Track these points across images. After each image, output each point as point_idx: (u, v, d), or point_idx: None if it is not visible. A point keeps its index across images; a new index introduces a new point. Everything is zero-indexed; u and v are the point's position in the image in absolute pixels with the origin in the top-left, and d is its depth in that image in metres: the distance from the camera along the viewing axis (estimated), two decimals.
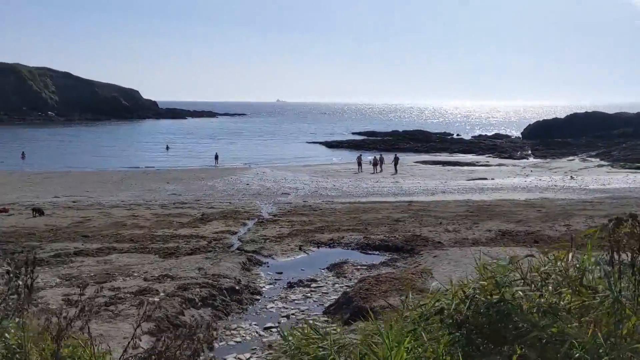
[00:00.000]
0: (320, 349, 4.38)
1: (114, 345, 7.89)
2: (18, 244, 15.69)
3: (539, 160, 58.27)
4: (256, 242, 16.14)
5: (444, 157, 62.15)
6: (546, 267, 4.66)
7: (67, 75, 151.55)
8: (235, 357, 8.28)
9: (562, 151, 63.95)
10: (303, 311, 10.50)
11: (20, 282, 3.51)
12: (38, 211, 21.75)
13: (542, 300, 3.81)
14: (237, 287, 11.28)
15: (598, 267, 4.34)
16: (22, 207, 23.75)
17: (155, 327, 8.57)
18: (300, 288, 11.99)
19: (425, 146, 73.62)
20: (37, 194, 30.48)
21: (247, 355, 8.36)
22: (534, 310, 3.75)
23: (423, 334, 4.15)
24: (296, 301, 11.10)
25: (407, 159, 59.93)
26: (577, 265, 4.59)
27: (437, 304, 4.30)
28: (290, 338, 4.96)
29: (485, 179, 40.56)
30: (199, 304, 10.07)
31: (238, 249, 15.56)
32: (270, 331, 9.52)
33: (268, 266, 13.93)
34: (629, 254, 4.61)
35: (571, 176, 40.64)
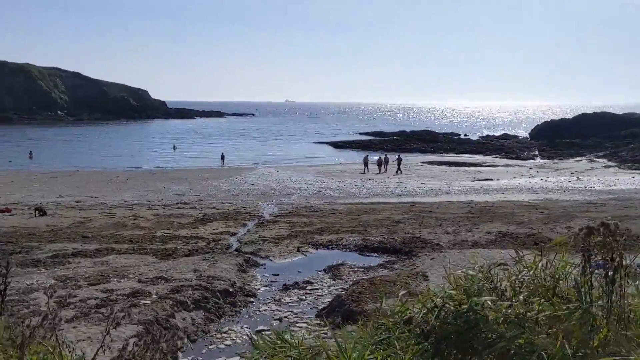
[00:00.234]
0: (289, 358, 4.34)
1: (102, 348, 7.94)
2: (17, 244, 15.73)
3: (545, 160, 57.94)
4: (255, 243, 16.11)
5: (450, 157, 61.91)
6: (520, 276, 4.59)
7: (76, 75, 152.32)
8: None
9: (569, 152, 63.57)
10: (296, 314, 10.45)
11: None
12: (40, 211, 21.84)
13: (510, 310, 3.75)
14: (231, 290, 11.25)
15: (571, 277, 4.27)
16: (26, 207, 23.83)
17: (144, 330, 8.55)
18: (296, 290, 11.93)
19: (432, 146, 73.39)
20: (43, 193, 30.62)
21: (236, 359, 8.32)
22: (500, 321, 3.69)
23: (396, 342, 4.10)
24: (290, 304, 11.05)
25: (413, 159, 59.78)
26: (551, 274, 4.53)
27: (407, 312, 4.25)
28: (261, 345, 4.92)
29: (491, 179, 40.35)
30: (191, 306, 10.04)
31: (236, 250, 15.55)
32: (262, 334, 9.48)
33: (265, 268, 13.88)
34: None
35: (577, 177, 40.36)
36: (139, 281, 11.28)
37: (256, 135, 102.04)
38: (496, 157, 62.56)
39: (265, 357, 4.56)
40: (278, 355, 4.49)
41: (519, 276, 4.55)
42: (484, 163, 55.52)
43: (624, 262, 4.39)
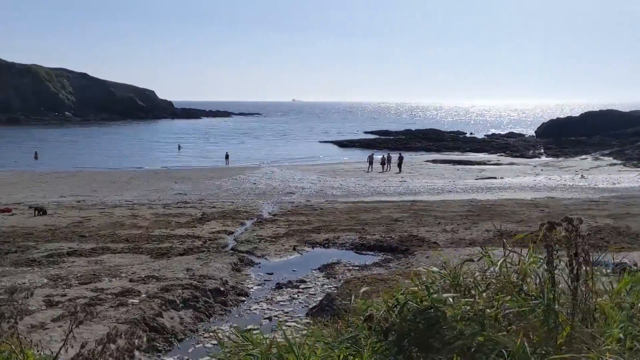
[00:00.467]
0: (250, 357, 4.29)
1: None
2: (14, 243, 15.76)
3: (550, 159, 57.66)
4: (251, 242, 16.06)
5: (455, 156, 61.69)
6: (489, 272, 4.52)
7: (83, 75, 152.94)
8: None
9: (575, 150, 63.24)
10: (287, 313, 10.39)
11: None
12: (41, 210, 21.90)
13: (468, 307, 3.68)
14: (222, 289, 11.20)
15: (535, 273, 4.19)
16: (27, 207, 23.89)
17: (130, 329, 8.51)
18: (289, 289, 11.87)
19: (437, 145, 73.18)
20: (45, 193, 30.72)
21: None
22: (458, 318, 3.62)
23: (362, 341, 4.03)
24: (282, 302, 10.99)
25: (418, 158, 59.66)
26: (518, 270, 4.45)
27: (368, 309, 4.18)
28: (226, 343, 4.87)
29: (494, 178, 40.17)
30: (180, 305, 10.00)
31: (232, 249, 15.50)
32: (252, 333, 9.43)
33: (260, 267, 13.83)
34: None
35: (582, 175, 40.10)
36: (130, 280, 11.27)
37: (262, 135, 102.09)
38: (501, 155, 62.32)
39: (229, 355, 4.52)
40: (240, 353, 4.44)
41: (487, 272, 4.48)
42: (488, 161, 55.30)
43: (590, 258, 4.30)
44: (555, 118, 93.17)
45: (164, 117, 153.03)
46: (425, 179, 40.18)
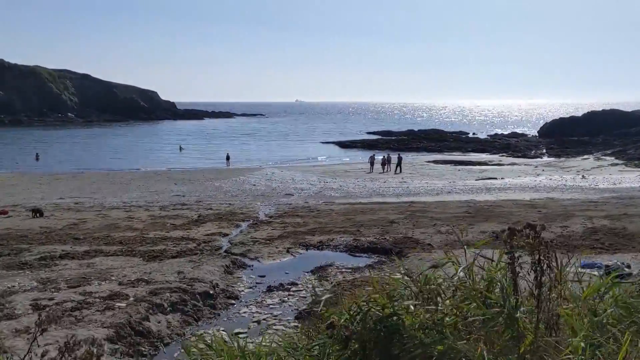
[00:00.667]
0: None
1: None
2: (7, 246, 15.75)
3: (552, 159, 57.50)
4: (245, 244, 16.01)
5: (456, 156, 61.59)
6: (456, 279, 4.46)
7: (86, 76, 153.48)
8: None
9: (577, 150, 63.04)
10: (276, 316, 10.33)
11: None
12: (38, 212, 21.89)
13: (428, 315, 3.63)
14: (211, 292, 11.15)
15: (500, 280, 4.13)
16: (24, 208, 23.91)
17: (114, 334, 8.48)
18: (279, 292, 11.80)
19: (439, 145, 73.08)
20: (44, 195, 30.75)
21: None
22: (416, 327, 3.56)
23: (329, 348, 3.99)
24: (271, 306, 10.93)
25: (420, 158, 59.62)
26: (484, 277, 4.39)
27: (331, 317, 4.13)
28: (192, 351, 4.84)
29: (495, 178, 40.06)
30: (168, 309, 9.96)
31: (226, 251, 15.44)
32: (238, 337, 9.38)
33: (252, 269, 13.77)
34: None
35: (583, 175, 39.96)
36: (120, 283, 11.23)
37: (263, 136, 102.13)
38: (503, 155, 62.20)
39: None
40: None
41: (454, 279, 4.42)
42: (490, 162, 55.18)
43: (559, 263, 4.24)
44: (558, 118, 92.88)
45: (166, 118, 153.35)
46: (426, 179, 40.10)
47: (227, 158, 55.50)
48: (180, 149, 71.38)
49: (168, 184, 36.72)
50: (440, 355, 3.55)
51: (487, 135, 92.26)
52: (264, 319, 10.15)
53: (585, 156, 56.39)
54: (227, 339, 10.06)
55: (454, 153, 65.77)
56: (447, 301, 3.92)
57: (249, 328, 9.64)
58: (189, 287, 11.00)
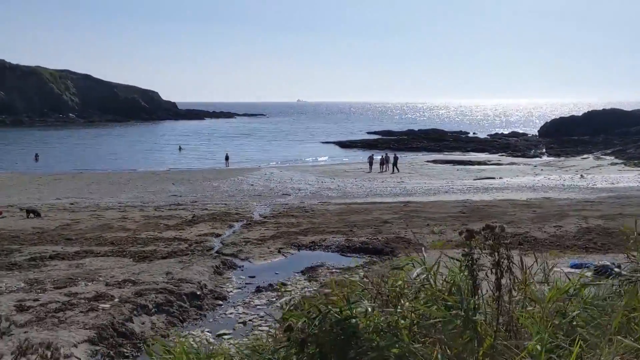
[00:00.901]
0: None
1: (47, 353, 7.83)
2: None
3: (552, 158, 57.41)
4: (236, 244, 15.96)
5: (455, 156, 61.54)
6: (418, 280, 4.42)
7: (87, 77, 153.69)
8: None
9: (576, 149, 62.94)
10: (262, 317, 10.28)
11: None
12: (33, 212, 21.86)
13: (382, 318, 3.58)
14: (198, 293, 11.10)
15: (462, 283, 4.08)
16: (19, 209, 23.88)
17: (96, 335, 8.43)
18: (268, 292, 11.74)
19: (438, 145, 73.02)
20: (41, 195, 30.75)
21: None
22: (370, 330, 3.52)
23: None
24: (259, 306, 10.87)
25: (419, 158, 59.57)
26: (446, 279, 4.35)
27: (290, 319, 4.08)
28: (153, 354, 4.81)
29: (493, 178, 40.01)
30: (153, 310, 9.91)
31: (217, 252, 15.41)
32: (222, 338, 9.35)
33: (242, 270, 13.71)
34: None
35: (581, 175, 39.87)
36: (107, 284, 11.18)
37: (264, 136, 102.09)
38: (502, 155, 62.14)
39: None
40: None
41: (416, 281, 4.38)
42: (488, 161, 55.12)
43: (517, 265, 4.19)
44: (558, 117, 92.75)
45: (167, 118, 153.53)
46: (424, 179, 40.06)
47: (227, 158, 55.49)
48: (180, 149, 71.38)
49: (166, 184, 36.71)
50: (395, 359, 3.50)
51: (487, 135, 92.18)
52: (250, 320, 10.09)
53: (585, 156, 56.30)
54: (212, 340, 9.99)
55: (453, 153, 65.71)
56: (407, 303, 3.88)
57: (234, 329, 9.59)
58: (176, 287, 10.95)
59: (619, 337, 3.48)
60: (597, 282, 4.58)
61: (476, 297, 3.80)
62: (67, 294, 10.38)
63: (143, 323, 9.48)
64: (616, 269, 11.78)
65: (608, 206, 21.98)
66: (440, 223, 18.49)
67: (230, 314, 10.52)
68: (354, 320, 3.63)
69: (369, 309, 3.74)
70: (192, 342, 5.07)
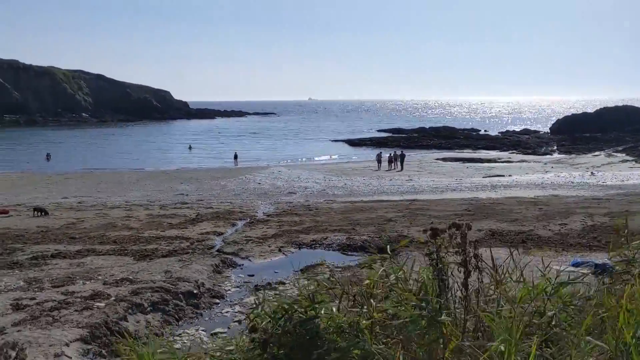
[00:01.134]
0: None
1: (37, 353, 7.84)
2: (3, 245, 15.82)
3: (563, 156, 56.95)
4: (238, 243, 15.95)
5: (466, 153, 61.23)
6: (389, 280, 4.36)
7: (100, 77, 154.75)
8: None
9: (588, 146, 62.39)
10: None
11: None
12: (41, 211, 22.00)
13: (344, 318, 3.52)
14: (195, 291, 11.09)
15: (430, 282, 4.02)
16: (26, 208, 24.06)
17: (89, 334, 8.43)
18: (266, 291, 11.71)
19: (449, 143, 72.70)
20: (49, 194, 30.96)
21: None
22: (331, 330, 3.46)
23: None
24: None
25: (429, 156, 59.34)
26: (416, 279, 4.28)
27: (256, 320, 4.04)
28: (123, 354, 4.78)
29: (502, 175, 39.75)
30: (148, 309, 9.90)
31: (218, 250, 15.41)
32: (217, 337, 9.32)
33: (242, 268, 13.69)
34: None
35: (592, 172, 39.52)
36: (104, 283, 11.20)
37: (274, 135, 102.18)
38: (513, 152, 61.73)
39: None
40: None
41: (387, 280, 4.32)
42: (499, 159, 54.75)
43: (488, 264, 4.11)
44: (570, 114, 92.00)
45: (179, 118, 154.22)
46: (432, 177, 39.88)
47: (235, 157, 55.62)
48: (190, 148, 71.65)
49: (174, 183, 36.84)
50: (358, 359, 3.44)
51: (498, 132, 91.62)
52: (244, 319, 10.05)
53: (596, 153, 55.81)
54: (205, 338, 9.97)
55: (464, 150, 65.39)
56: (375, 303, 3.82)
57: (229, 327, 9.57)
58: (173, 286, 10.94)
59: (588, 338, 3.40)
60: (575, 281, 4.49)
61: (444, 297, 3.73)
62: (64, 293, 10.41)
63: (138, 322, 9.47)
64: (617, 267, 11.66)
65: (616, 203, 21.73)
66: (444, 221, 18.33)
67: (227, 312, 10.50)
68: (316, 320, 3.57)
69: (334, 309, 3.68)
70: (166, 346, 5.03)
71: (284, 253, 15.02)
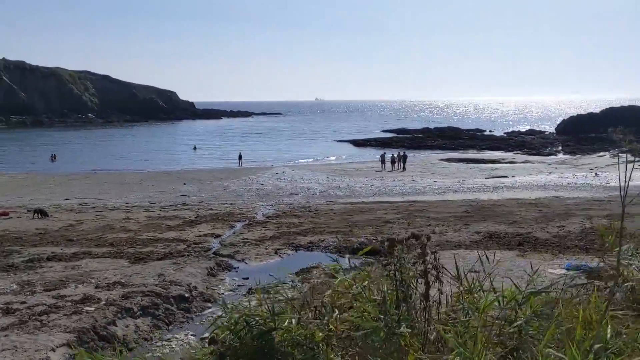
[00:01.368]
0: None
1: (22, 358, 7.84)
2: (0, 248, 15.88)
3: (567, 156, 56.66)
4: (234, 245, 15.94)
5: (470, 154, 60.97)
6: (354, 289, 4.33)
7: (106, 77, 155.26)
8: None
9: (593, 147, 62.00)
10: None
11: None
12: (41, 213, 22.05)
13: (300, 331, 3.48)
14: (187, 295, 11.07)
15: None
16: (27, 210, 24.13)
17: (76, 339, 8.43)
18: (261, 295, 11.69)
19: (453, 143, 72.47)
20: (51, 196, 31.04)
21: None
22: (285, 343, 3.42)
23: None
24: None
25: (433, 156, 59.18)
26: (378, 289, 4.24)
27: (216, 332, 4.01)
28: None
29: (505, 176, 39.58)
30: (138, 313, 9.89)
31: (214, 252, 15.39)
32: (206, 341, 9.30)
33: (237, 271, 13.67)
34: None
35: (595, 173, 39.30)
36: (97, 287, 11.20)
37: (279, 135, 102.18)
38: (517, 153, 61.44)
39: None
40: None
41: (353, 290, 4.28)
42: (503, 159, 54.51)
43: (449, 275, 4.07)
44: (575, 115, 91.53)
45: (185, 118, 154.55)
46: (435, 178, 39.75)
47: (240, 157, 55.60)
48: (195, 148, 71.76)
49: (177, 184, 36.87)
50: None
51: (504, 133, 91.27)
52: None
53: (601, 153, 55.47)
54: (194, 343, 9.94)
55: (468, 151, 65.13)
56: (335, 313, 3.78)
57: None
58: (164, 290, 10.93)
59: (549, 350, 3.35)
60: (547, 290, 4.43)
61: (403, 308, 3.69)
62: (55, 297, 10.42)
63: (127, 326, 9.46)
64: (612, 271, 11.54)
65: (617, 205, 21.52)
66: (442, 223, 18.29)
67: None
68: (273, 333, 3.54)
69: (293, 322, 3.65)
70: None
71: (280, 255, 15.00)
